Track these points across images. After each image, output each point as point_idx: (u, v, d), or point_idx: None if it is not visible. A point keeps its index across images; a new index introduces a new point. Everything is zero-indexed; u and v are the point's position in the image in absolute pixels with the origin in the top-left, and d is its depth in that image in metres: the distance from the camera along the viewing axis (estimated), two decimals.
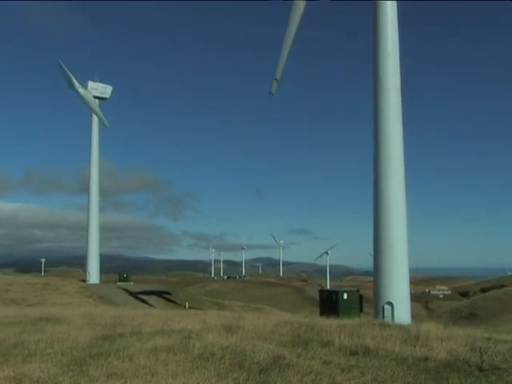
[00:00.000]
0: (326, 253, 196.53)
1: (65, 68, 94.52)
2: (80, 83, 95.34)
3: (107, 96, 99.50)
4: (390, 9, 34.79)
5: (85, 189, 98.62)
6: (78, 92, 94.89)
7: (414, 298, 64.28)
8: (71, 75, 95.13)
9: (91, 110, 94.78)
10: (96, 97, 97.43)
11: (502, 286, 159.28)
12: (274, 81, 36.70)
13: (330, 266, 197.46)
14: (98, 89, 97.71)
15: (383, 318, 31.73)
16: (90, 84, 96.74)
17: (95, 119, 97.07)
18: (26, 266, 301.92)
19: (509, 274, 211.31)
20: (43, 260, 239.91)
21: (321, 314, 34.80)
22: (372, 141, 34.67)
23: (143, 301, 72.49)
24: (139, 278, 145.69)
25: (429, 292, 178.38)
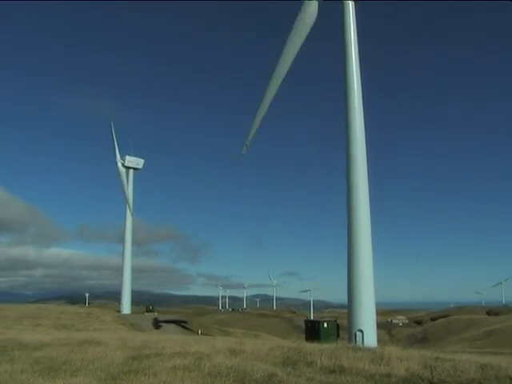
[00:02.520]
0: (309, 290, 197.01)
1: (114, 136, 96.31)
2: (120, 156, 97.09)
3: (140, 167, 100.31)
4: (356, 81, 35.28)
5: (123, 239, 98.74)
6: (116, 164, 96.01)
7: (380, 326, 63.48)
8: (116, 146, 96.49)
9: (122, 188, 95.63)
10: (131, 167, 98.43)
11: (447, 316, 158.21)
12: (245, 145, 35.81)
13: (313, 301, 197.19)
14: (133, 161, 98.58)
15: (355, 342, 31.22)
16: (127, 158, 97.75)
17: (130, 185, 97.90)
18: (75, 298, 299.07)
19: (452, 306, 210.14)
20: (87, 294, 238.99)
21: (306, 340, 34.25)
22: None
23: (165, 328, 71.46)
24: (162, 309, 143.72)
25: (391, 321, 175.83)
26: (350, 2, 36.26)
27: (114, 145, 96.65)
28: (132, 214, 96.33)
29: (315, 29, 35.17)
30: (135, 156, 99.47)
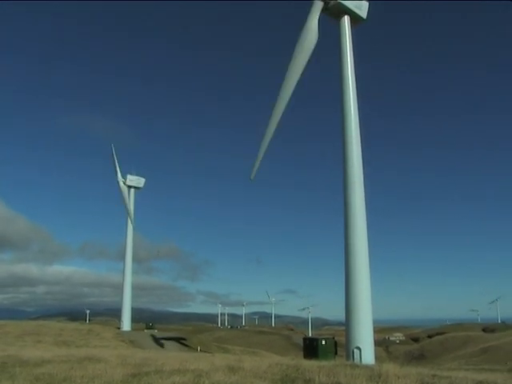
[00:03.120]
0: (308, 308, 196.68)
1: (115, 157, 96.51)
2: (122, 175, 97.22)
3: (141, 186, 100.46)
4: (353, 113, 35.49)
5: (124, 257, 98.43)
6: (118, 183, 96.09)
7: (377, 343, 62.98)
8: (118, 166, 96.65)
9: (125, 203, 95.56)
10: (132, 186, 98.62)
11: (443, 333, 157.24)
12: (253, 172, 34.43)
13: (311, 318, 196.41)
14: (134, 180, 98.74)
15: (353, 360, 30.96)
16: (129, 177, 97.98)
17: (131, 202, 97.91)
18: (75, 315, 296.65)
19: (448, 323, 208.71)
20: (88, 311, 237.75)
21: (304, 357, 34.00)
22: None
23: (164, 345, 70.86)
24: (162, 326, 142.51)
25: (388, 338, 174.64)
26: (346, 17, 36.78)
27: (115, 166, 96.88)
28: (134, 228, 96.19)
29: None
30: (136, 175, 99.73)
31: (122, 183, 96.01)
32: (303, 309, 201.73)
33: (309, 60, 35.51)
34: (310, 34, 35.35)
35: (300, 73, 35.35)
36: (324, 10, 36.25)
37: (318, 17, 35.60)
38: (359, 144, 35.27)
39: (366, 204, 34.59)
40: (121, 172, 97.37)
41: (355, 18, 37.43)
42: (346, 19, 36.95)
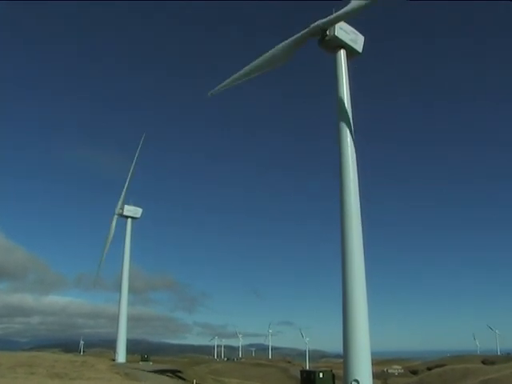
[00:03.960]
0: (305, 336, 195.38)
1: (125, 189, 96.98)
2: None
3: (138, 216, 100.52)
4: (350, 147, 35.68)
5: (120, 287, 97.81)
6: (114, 214, 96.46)
7: (376, 375, 62.02)
8: (122, 198, 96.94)
9: (108, 238, 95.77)
10: (130, 216, 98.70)
11: (442, 365, 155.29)
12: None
13: (308, 350, 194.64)
14: (131, 210, 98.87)
15: None
16: (126, 207, 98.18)
17: (128, 234, 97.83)
18: (70, 346, 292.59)
19: (448, 355, 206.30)
20: (82, 342, 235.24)
21: None
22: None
23: (160, 377, 69.74)
24: (158, 358, 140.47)
25: (387, 371, 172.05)
26: (342, 51, 37.47)
27: (122, 196, 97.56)
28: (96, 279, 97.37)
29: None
30: (134, 205, 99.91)
31: (116, 218, 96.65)
32: (301, 336, 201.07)
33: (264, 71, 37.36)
34: (281, 50, 36.52)
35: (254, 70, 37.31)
36: (320, 44, 37.03)
37: (297, 42, 36.63)
38: (356, 177, 35.40)
39: (363, 235, 34.58)
40: (123, 203, 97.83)
41: (351, 52, 38.15)
42: (342, 53, 37.64)
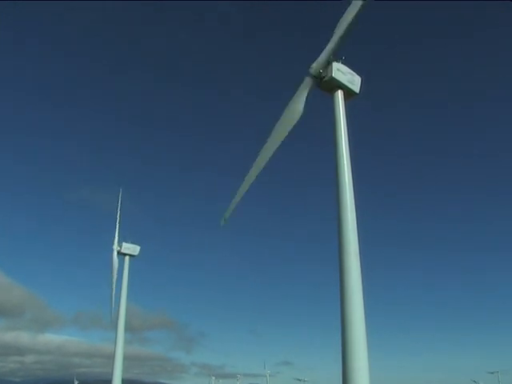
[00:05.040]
0: (304, 380, 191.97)
1: (117, 225, 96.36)
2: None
3: (136, 253, 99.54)
4: (347, 181, 35.59)
5: (116, 326, 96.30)
6: (113, 250, 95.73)
7: None
8: (117, 234, 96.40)
9: (112, 274, 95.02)
10: (127, 254, 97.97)
11: None
12: (223, 219, 37.74)
13: None
14: (129, 248, 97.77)
15: None
16: (124, 244, 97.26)
17: (126, 271, 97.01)
18: None
19: None
20: (77, 382, 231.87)
21: None
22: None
23: None
24: None
25: None
26: (340, 91, 37.87)
27: (115, 233, 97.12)
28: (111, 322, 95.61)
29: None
30: (132, 243, 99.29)
31: (115, 253, 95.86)
32: (299, 380, 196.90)
33: (289, 133, 37.09)
34: (295, 109, 36.95)
35: (277, 145, 37.42)
36: (317, 85, 37.52)
37: (306, 93, 37.07)
38: (354, 219, 35.11)
39: (362, 276, 34.16)
40: (118, 240, 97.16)
41: (348, 92, 38.54)
42: (340, 93, 37.99)
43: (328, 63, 37.13)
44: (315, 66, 37.11)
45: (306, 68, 37.59)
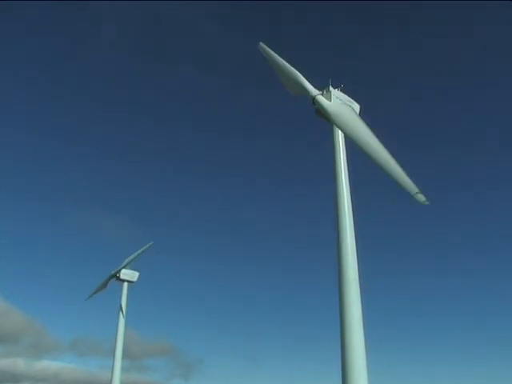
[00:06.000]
0: None
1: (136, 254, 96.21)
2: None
3: (135, 280, 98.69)
4: (347, 205, 35.21)
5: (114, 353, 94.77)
6: (112, 277, 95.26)
7: None
8: (124, 264, 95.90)
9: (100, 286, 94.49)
10: (126, 280, 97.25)
11: None
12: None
13: None
14: (128, 274, 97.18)
15: None
16: (123, 270, 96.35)
17: (124, 297, 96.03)
18: None
19: None
20: None
21: None
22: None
23: None
24: None
25: None
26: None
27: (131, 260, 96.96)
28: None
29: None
30: (130, 269, 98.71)
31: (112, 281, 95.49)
32: None
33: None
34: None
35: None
36: (316, 113, 37.28)
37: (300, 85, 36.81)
38: (354, 244, 34.75)
39: (362, 306, 33.66)
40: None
41: None
42: None
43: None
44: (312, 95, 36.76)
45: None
